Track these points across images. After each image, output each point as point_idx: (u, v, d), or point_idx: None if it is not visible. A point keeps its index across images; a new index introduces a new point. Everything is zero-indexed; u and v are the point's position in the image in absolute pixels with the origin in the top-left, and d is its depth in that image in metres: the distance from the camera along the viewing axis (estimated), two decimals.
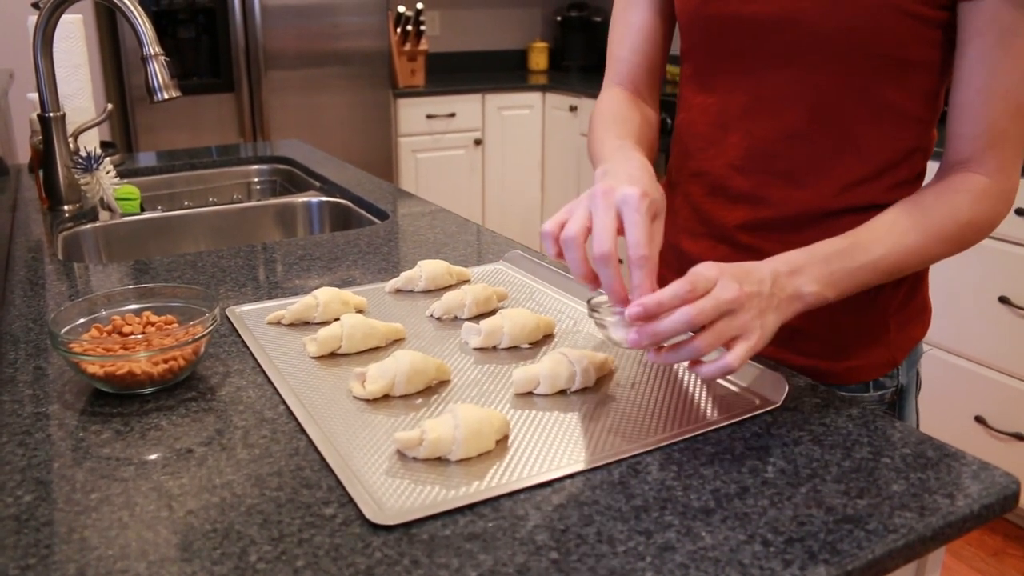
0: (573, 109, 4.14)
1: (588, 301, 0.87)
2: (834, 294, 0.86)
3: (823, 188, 0.97)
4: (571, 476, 0.74)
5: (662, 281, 1.08)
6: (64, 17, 1.73)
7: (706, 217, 1.05)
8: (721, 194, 1.03)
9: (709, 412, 0.85)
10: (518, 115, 4.33)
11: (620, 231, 0.78)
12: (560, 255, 0.81)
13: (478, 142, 4.28)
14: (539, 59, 4.89)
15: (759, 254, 0.99)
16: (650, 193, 0.79)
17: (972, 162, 0.90)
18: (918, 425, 1.07)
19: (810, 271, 0.84)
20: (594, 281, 0.80)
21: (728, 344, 0.78)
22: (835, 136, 0.95)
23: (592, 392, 0.90)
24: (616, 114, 1.06)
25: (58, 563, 0.63)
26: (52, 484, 0.73)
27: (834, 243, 0.87)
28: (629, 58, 1.12)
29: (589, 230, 0.79)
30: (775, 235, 0.99)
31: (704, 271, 0.77)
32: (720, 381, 0.91)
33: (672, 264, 1.09)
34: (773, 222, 0.99)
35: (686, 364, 0.82)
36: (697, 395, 0.89)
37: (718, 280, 0.77)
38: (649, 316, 0.76)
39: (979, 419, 2.41)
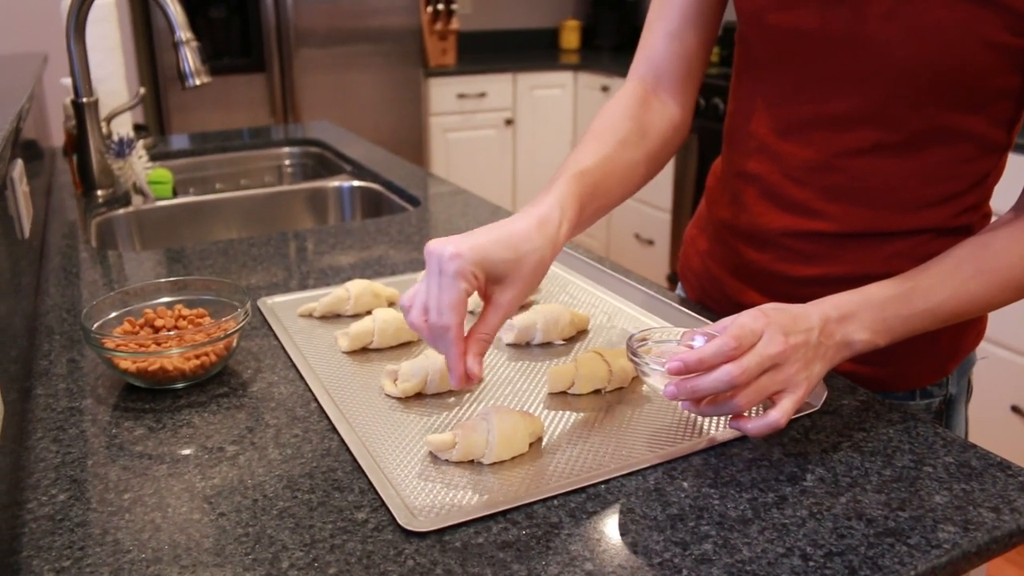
0: (605, 89, 4.10)
1: (628, 340, 0.82)
2: (885, 341, 0.81)
3: (885, 209, 0.92)
4: (606, 482, 0.73)
5: (719, 281, 1.06)
6: (97, 0, 1.73)
7: (754, 220, 1.00)
8: (772, 201, 0.98)
9: (746, 415, 0.83)
10: (550, 95, 4.30)
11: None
12: None
13: (509, 122, 4.25)
14: (571, 38, 4.84)
15: (809, 259, 0.96)
16: (467, 253, 0.71)
17: None
18: (967, 435, 1.04)
19: (862, 317, 0.80)
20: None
21: (773, 397, 0.75)
22: (903, 159, 0.89)
23: (627, 392, 0.88)
24: (602, 126, 0.94)
25: (92, 566, 0.63)
26: (86, 483, 0.73)
27: (891, 286, 0.82)
28: (661, 44, 1.00)
29: None
30: (827, 247, 0.95)
31: (751, 323, 0.74)
32: None
33: (725, 262, 1.06)
34: (828, 235, 0.94)
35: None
36: None
37: (764, 332, 0.73)
38: (689, 372, 0.72)
39: (1016, 409, 2.37)
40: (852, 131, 0.90)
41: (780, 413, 0.73)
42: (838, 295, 0.81)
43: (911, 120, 0.87)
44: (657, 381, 0.77)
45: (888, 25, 0.83)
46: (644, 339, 0.84)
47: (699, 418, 0.83)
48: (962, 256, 0.84)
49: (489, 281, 0.75)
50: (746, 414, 0.76)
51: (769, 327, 0.74)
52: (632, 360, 0.80)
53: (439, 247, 0.72)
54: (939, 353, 0.98)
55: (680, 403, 0.76)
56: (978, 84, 0.84)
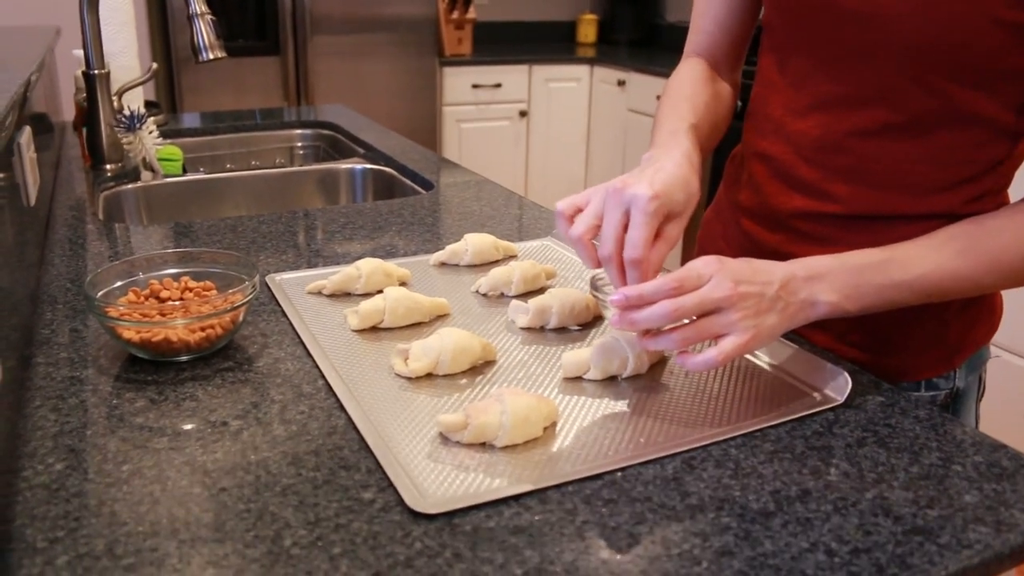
0: (621, 83, 4.06)
1: (591, 278, 0.88)
2: (856, 308, 0.81)
3: (896, 192, 0.90)
4: (622, 469, 0.70)
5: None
6: None
7: (765, 200, 1.00)
8: (784, 181, 0.97)
9: (768, 406, 0.81)
10: (565, 88, 4.27)
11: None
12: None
13: (523, 114, 4.22)
14: (588, 31, 4.81)
15: (820, 241, 0.94)
16: (663, 194, 0.77)
17: None
18: None
19: (832, 279, 0.80)
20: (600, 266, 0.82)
21: (718, 340, 0.76)
22: (913, 141, 0.88)
23: (645, 379, 0.86)
24: (686, 90, 1.01)
25: (87, 537, 0.61)
26: (84, 453, 0.71)
27: (870, 254, 0.82)
28: (711, 31, 1.07)
29: (599, 226, 0.80)
30: (837, 229, 0.94)
31: (700, 267, 0.76)
32: (780, 374, 0.87)
33: (734, 240, 1.04)
34: (838, 217, 0.93)
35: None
36: (755, 388, 0.84)
37: (712, 277, 0.75)
38: (630, 306, 0.75)
39: None
40: (861, 111, 0.89)
41: (717, 351, 0.75)
42: (815, 256, 0.81)
43: (919, 100, 0.86)
44: (609, 313, 0.81)
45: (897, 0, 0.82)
46: (606, 279, 0.89)
47: (719, 410, 0.80)
48: (953, 233, 0.83)
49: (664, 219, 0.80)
50: (693, 350, 0.78)
51: (719, 272, 0.76)
52: (593, 295, 0.84)
53: (632, 186, 0.78)
54: (947, 344, 0.96)
55: (635, 337, 0.80)
56: (986, 63, 0.82)
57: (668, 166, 0.81)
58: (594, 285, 0.84)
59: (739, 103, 1.10)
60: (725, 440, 0.75)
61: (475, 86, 4.07)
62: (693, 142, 0.88)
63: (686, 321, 0.76)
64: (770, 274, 0.78)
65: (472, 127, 4.13)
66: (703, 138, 0.94)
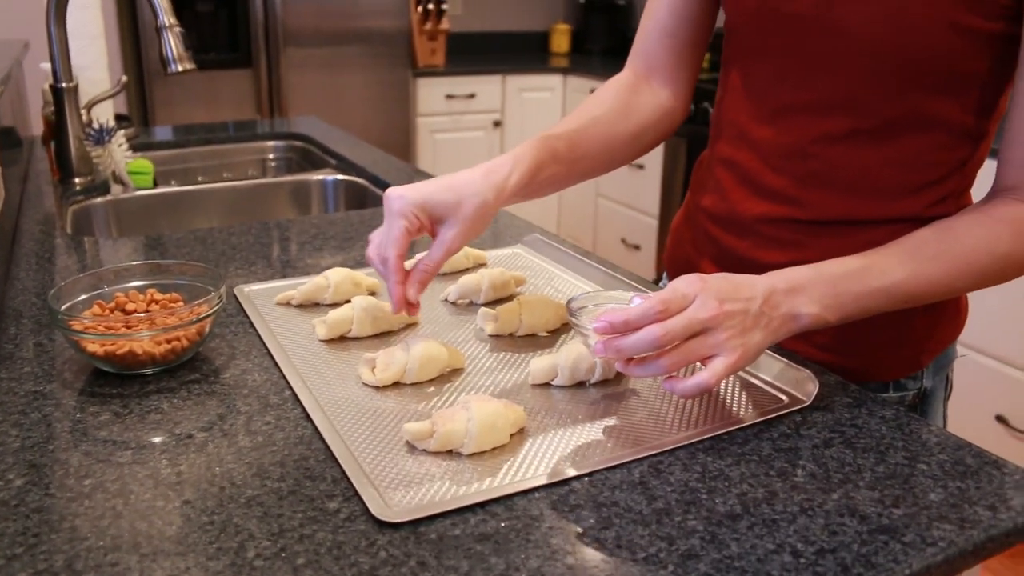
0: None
1: (569, 302, 0.84)
2: (836, 318, 0.81)
3: (863, 197, 0.91)
4: (589, 475, 0.70)
5: (699, 270, 1.04)
6: None
7: (732, 206, 1.00)
8: (750, 187, 0.97)
9: (735, 409, 0.81)
10: (539, 97, 4.28)
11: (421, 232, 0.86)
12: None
13: (497, 124, 4.23)
14: (561, 42, 4.82)
15: (787, 246, 0.94)
16: (407, 195, 0.83)
17: (1021, 190, 0.83)
18: None
19: (812, 291, 0.79)
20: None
21: (705, 361, 0.75)
22: (879, 146, 0.89)
23: (613, 385, 0.86)
24: (584, 106, 1.02)
25: (46, 553, 0.60)
26: (45, 468, 0.70)
27: (846, 263, 0.82)
28: (654, 36, 1.05)
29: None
30: (804, 235, 0.94)
31: (683, 287, 0.75)
32: (747, 376, 0.87)
33: (706, 250, 1.04)
34: (805, 223, 0.94)
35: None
36: (722, 391, 0.85)
37: (696, 297, 0.74)
38: (615, 332, 0.73)
39: (1000, 418, 2.36)
40: (827, 117, 0.90)
41: (710, 374, 0.74)
42: (792, 268, 0.81)
43: (883, 106, 0.87)
44: (592, 341, 0.77)
45: (856, 7, 0.84)
46: (584, 304, 0.85)
47: (686, 413, 0.80)
48: (924, 238, 0.84)
49: (433, 222, 0.85)
50: (679, 374, 0.76)
51: (703, 292, 0.75)
52: (571, 321, 0.81)
53: (389, 192, 0.84)
54: (913, 344, 0.97)
55: (616, 364, 0.77)
56: (947, 68, 0.84)
57: (450, 174, 0.86)
58: (571, 311, 0.82)
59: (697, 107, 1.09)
60: (692, 443, 0.75)
61: (449, 97, 4.07)
62: (527, 151, 0.89)
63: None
64: (752, 289, 0.77)
65: (446, 137, 4.13)
66: (561, 148, 0.94)
